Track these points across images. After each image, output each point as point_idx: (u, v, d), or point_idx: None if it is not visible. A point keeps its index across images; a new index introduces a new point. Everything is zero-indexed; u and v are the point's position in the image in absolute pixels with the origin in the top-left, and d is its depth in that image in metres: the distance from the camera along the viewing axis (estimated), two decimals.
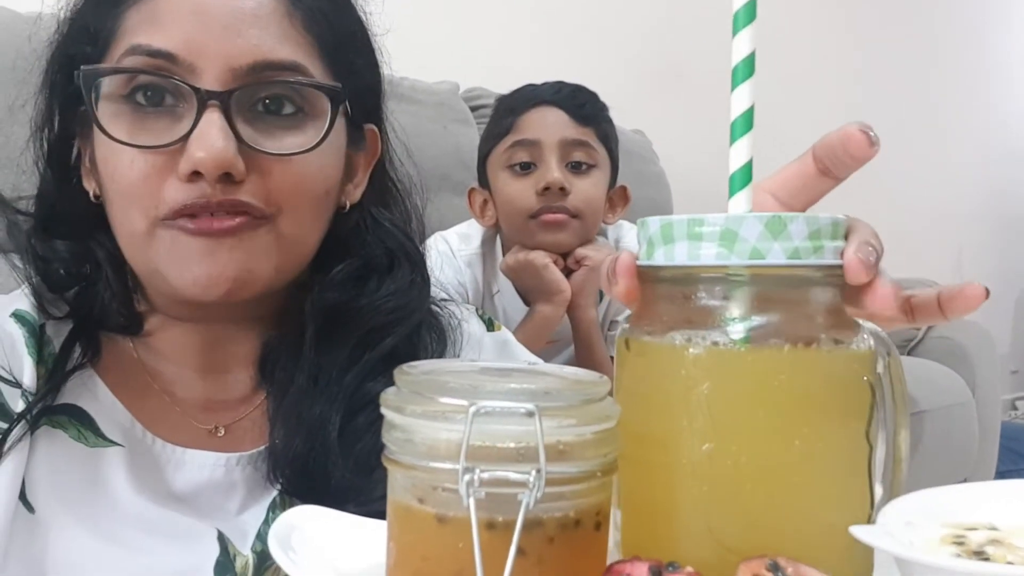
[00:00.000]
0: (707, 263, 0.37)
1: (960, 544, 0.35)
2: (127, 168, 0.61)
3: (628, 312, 1.35)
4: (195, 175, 0.59)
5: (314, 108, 0.64)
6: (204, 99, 0.60)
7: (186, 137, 0.60)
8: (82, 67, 0.62)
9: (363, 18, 0.71)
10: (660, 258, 0.38)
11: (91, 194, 0.67)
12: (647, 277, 0.40)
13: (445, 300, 0.78)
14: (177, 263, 0.62)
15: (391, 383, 0.70)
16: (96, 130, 0.64)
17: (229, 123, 0.60)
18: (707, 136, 1.51)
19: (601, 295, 1.50)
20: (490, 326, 0.81)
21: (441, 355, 0.73)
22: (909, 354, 2.13)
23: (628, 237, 1.53)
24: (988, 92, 3.80)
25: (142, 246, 0.63)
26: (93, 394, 0.67)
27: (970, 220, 3.59)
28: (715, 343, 0.37)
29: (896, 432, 0.39)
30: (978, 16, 3.73)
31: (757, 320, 0.37)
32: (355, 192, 0.72)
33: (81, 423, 0.65)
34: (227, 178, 0.60)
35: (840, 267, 0.38)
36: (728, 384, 0.37)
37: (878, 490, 0.39)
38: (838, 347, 0.38)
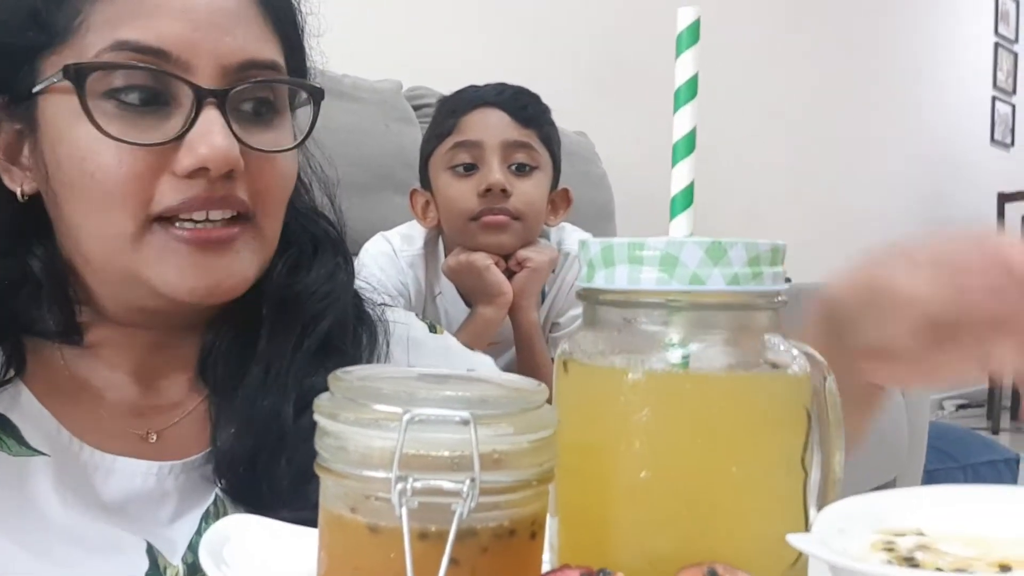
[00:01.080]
0: (647, 288, 0.37)
1: (890, 550, 0.36)
2: (114, 166, 0.59)
3: (570, 314, 1.34)
4: (196, 172, 0.59)
5: (284, 106, 0.66)
6: (202, 97, 0.59)
7: (182, 135, 0.59)
8: (72, 63, 0.60)
9: (300, 19, 0.71)
10: (600, 281, 0.38)
11: (18, 193, 0.65)
12: (587, 299, 0.39)
13: (373, 300, 0.78)
14: (171, 269, 0.61)
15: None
16: (55, 126, 0.61)
17: (226, 121, 0.60)
18: (650, 138, 1.52)
19: (543, 297, 1.50)
20: (432, 330, 0.80)
21: (372, 349, 0.72)
22: None
23: (570, 239, 1.53)
24: (918, 99, 3.91)
25: (126, 250, 0.61)
26: (16, 401, 0.64)
27: (899, 223, 3.69)
28: (654, 368, 0.37)
29: (831, 455, 0.40)
30: (907, 25, 3.84)
31: (696, 346, 0.37)
32: None
33: (3, 431, 0.63)
34: (227, 174, 0.60)
35: (778, 293, 0.38)
36: (666, 410, 0.37)
37: (813, 513, 0.39)
38: (775, 372, 0.38)
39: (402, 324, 0.77)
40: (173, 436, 0.68)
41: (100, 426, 0.66)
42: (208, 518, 0.65)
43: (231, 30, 0.61)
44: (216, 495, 0.65)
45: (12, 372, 0.64)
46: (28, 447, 0.63)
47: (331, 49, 0.74)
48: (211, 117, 0.59)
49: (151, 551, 0.62)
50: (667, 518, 0.37)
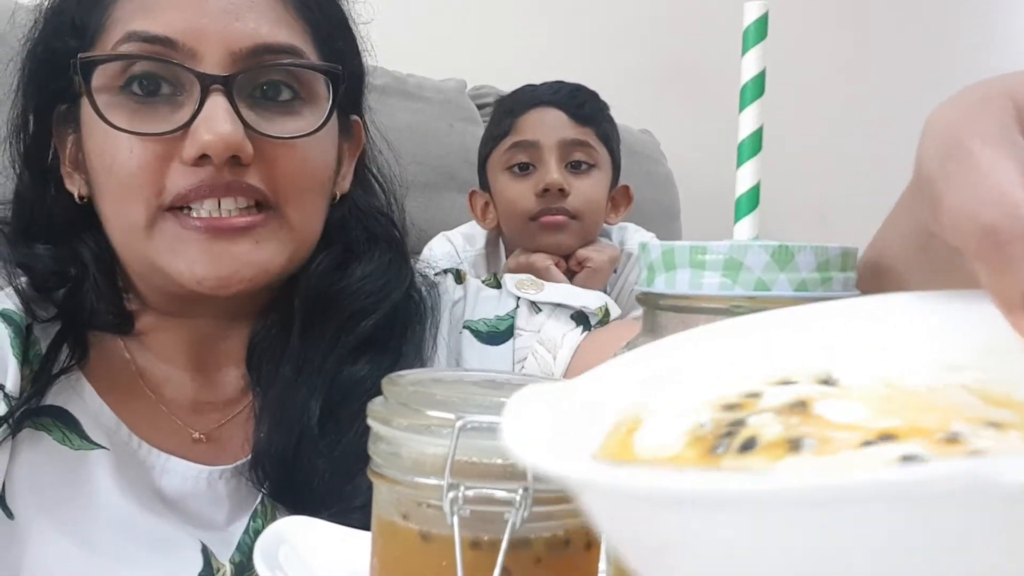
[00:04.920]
0: (710, 293, 0.35)
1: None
2: (126, 158, 0.60)
3: (633, 315, 1.30)
4: (202, 159, 0.59)
5: (310, 93, 0.65)
6: (208, 83, 0.59)
7: (189, 123, 0.59)
8: (79, 55, 0.61)
9: (344, 6, 0.71)
10: (661, 285, 0.37)
11: (75, 195, 0.66)
12: (647, 304, 0.38)
13: (427, 275, 0.77)
14: (181, 259, 0.61)
15: (371, 365, 0.69)
16: (87, 124, 0.63)
17: (233, 107, 0.59)
18: (717, 136, 1.49)
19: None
20: (458, 280, 0.79)
21: (423, 334, 0.71)
22: None
23: (632, 239, 1.51)
24: None
25: (141, 239, 0.62)
26: (79, 396, 0.66)
27: None
28: None
29: None
30: (989, 21, 3.70)
31: None
32: (344, 183, 0.72)
33: (66, 425, 0.64)
34: (235, 161, 0.60)
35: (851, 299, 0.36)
36: None
37: None
38: None
39: (447, 294, 0.76)
40: (223, 438, 0.68)
41: (157, 423, 0.67)
42: (256, 517, 0.65)
43: (241, 16, 0.61)
44: (262, 495, 0.65)
45: (72, 361, 0.65)
46: (90, 441, 0.64)
47: (395, 49, 0.73)
48: (216, 103, 0.59)
49: (205, 551, 0.63)
50: None
